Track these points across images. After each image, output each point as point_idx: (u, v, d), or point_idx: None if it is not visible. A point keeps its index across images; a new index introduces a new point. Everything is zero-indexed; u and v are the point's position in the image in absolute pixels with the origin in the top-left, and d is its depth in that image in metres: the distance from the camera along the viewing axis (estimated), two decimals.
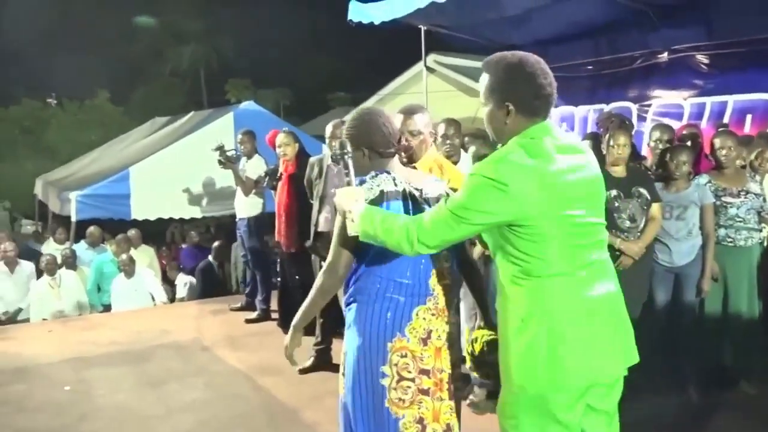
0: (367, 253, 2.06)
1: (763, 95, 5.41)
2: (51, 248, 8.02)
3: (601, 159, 3.07)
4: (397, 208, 2.04)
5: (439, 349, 2.08)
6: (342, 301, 2.20)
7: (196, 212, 8.25)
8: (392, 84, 13.74)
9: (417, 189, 2.13)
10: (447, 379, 2.10)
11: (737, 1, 5.43)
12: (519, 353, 1.80)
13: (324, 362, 4.40)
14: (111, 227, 8.31)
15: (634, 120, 5.90)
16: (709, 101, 5.78)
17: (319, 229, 4.29)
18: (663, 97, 6.14)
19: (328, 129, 4.19)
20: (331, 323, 4.33)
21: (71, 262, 7.20)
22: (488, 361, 2.07)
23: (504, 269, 1.85)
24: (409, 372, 2.04)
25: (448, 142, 3.91)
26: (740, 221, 3.81)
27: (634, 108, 6.27)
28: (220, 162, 5.84)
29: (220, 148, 5.81)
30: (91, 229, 8.06)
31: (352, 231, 1.94)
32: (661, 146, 4.11)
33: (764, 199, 3.88)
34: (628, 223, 3.63)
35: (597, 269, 1.84)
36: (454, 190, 2.65)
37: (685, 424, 3.48)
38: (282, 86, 29.37)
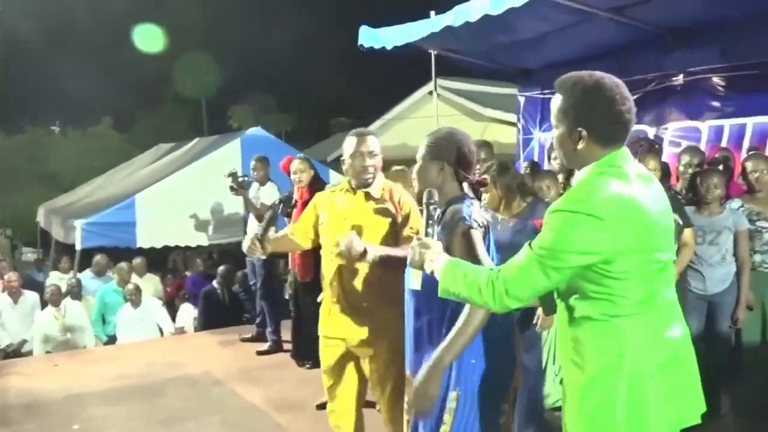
0: None
1: None
2: (55, 278, 7.87)
3: None
4: (489, 244, 1.92)
5: None
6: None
7: (202, 239, 8.11)
8: (396, 109, 13.72)
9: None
10: None
11: (753, 23, 5.36)
12: (596, 404, 1.63)
13: None
14: (115, 255, 8.11)
15: None
16: (728, 124, 5.67)
17: None
18: (680, 120, 6.04)
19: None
20: None
21: (77, 291, 7.06)
22: None
23: (579, 311, 1.66)
24: None
25: (485, 165, 3.77)
26: None
27: (650, 131, 6.17)
28: (231, 188, 5.79)
29: (233, 174, 5.78)
30: (98, 257, 7.90)
31: (413, 285, 1.80)
32: (690, 170, 4.00)
33: None
34: None
35: (671, 308, 1.70)
36: (406, 217, 2.53)
37: None
38: (284, 112, 29.46)
